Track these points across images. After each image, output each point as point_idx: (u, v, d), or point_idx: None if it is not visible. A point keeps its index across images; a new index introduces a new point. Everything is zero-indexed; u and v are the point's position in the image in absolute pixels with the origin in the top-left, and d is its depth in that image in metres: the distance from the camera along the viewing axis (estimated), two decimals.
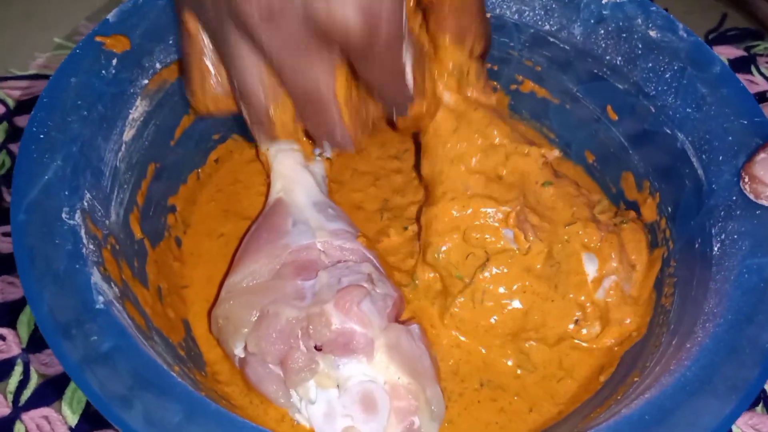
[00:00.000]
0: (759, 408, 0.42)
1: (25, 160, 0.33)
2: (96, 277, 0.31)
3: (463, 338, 0.41)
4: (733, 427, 0.42)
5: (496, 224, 0.39)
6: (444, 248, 0.40)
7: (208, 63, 0.37)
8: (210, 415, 0.28)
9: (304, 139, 0.40)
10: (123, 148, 0.38)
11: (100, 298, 0.30)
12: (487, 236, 0.39)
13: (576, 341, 0.40)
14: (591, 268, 0.40)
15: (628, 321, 0.40)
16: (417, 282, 0.41)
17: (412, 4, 0.36)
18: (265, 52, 0.34)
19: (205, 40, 0.37)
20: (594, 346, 0.40)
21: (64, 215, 0.32)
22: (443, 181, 0.40)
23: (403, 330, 0.37)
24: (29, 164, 0.33)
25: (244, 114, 0.38)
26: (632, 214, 0.43)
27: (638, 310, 0.40)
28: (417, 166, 0.47)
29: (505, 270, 0.39)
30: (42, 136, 0.34)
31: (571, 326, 0.40)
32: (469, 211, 0.39)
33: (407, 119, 0.39)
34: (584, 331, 0.40)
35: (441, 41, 0.40)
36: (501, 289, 0.39)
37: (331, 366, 0.35)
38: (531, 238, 0.39)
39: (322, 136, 0.38)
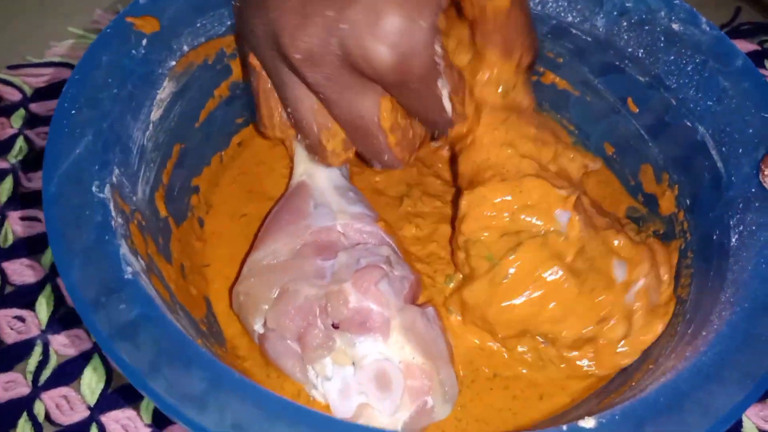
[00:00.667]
0: None
1: (57, 134, 0.34)
2: (124, 249, 0.32)
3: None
4: (744, 419, 0.42)
5: (552, 205, 0.39)
6: (486, 234, 0.39)
7: (273, 98, 0.40)
8: (234, 383, 0.28)
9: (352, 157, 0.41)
10: (150, 128, 0.39)
11: (129, 269, 0.31)
12: (534, 219, 0.39)
13: (589, 354, 0.39)
14: (620, 273, 0.39)
15: (648, 336, 0.39)
16: (452, 281, 0.42)
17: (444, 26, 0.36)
18: (312, 88, 0.36)
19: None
20: (604, 363, 0.39)
21: (94, 188, 0.33)
22: (491, 166, 0.41)
23: (419, 312, 0.37)
24: (61, 138, 0.34)
25: (300, 140, 0.40)
26: (650, 229, 0.44)
27: (663, 320, 0.39)
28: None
29: (537, 255, 0.38)
30: (74, 112, 0.35)
31: (591, 328, 0.38)
32: (521, 191, 0.39)
33: (449, 138, 0.41)
34: (605, 332, 0.38)
35: (489, 55, 0.40)
36: (526, 274, 0.38)
37: (347, 344, 0.36)
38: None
39: (372, 159, 0.39)
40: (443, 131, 0.39)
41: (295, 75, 0.36)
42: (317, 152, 0.40)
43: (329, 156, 0.39)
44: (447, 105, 0.37)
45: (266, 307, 0.37)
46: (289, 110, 0.39)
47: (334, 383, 0.36)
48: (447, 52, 0.36)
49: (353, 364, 0.36)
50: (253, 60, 0.39)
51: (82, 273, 0.30)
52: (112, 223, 0.32)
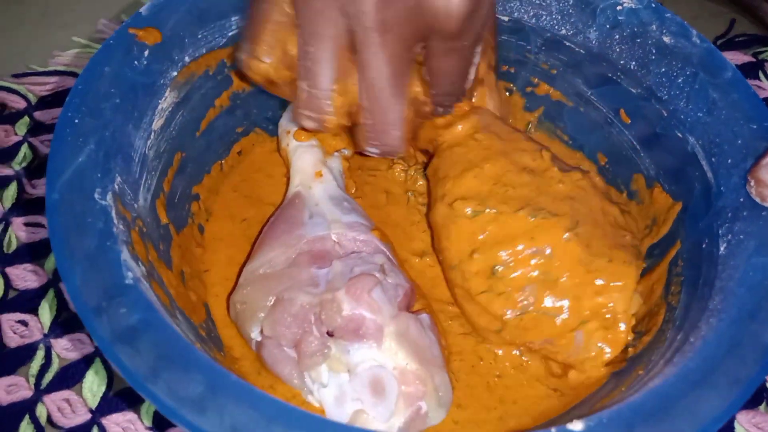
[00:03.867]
0: (762, 407, 0.43)
1: (60, 143, 0.35)
2: (125, 255, 0.32)
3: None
4: (737, 426, 0.42)
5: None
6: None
7: (281, 27, 0.36)
8: (232, 386, 0.29)
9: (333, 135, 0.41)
10: (152, 137, 0.39)
11: (129, 275, 0.32)
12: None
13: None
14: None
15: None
16: None
17: None
18: (355, 21, 0.34)
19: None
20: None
21: (96, 195, 0.34)
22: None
23: (412, 318, 0.38)
24: (64, 147, 0.35)
25: (299, 93, 0.37)
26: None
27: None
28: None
29: None
30: (77, 121, 0.36)
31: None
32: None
33: (433, 129, 0.40)
34: None
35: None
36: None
37: (342, 351, 0.36)
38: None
39: (375, 137, 0.37)
40: (450, 107, 0.38)
41: (335, 4, 0.34)
42: (315, 111, 0.37)
43: (329, 119, 0.37)
44: (472, 72, 0.37)
45: (262, 315, 0.38)
46: (305, 49, 0.35)
47: (330, 390, 0.37)
48: None
49: (348, 371, 0.36)
50: None
51: (85, 278, 0.31)
52: (114, 229, 0.33)
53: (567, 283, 0.39)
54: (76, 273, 0.31)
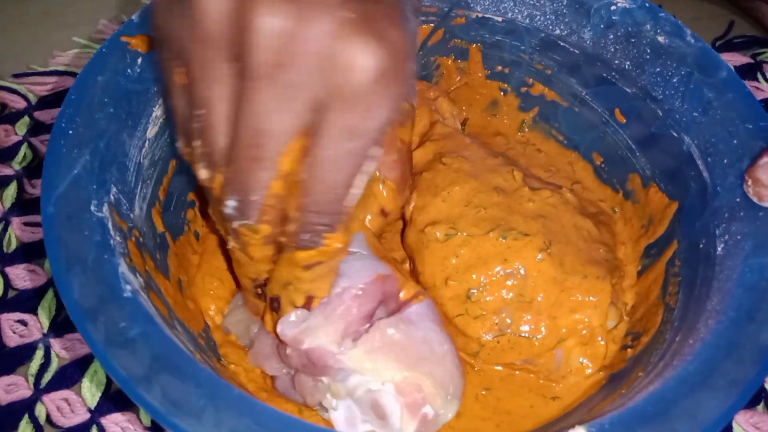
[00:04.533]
0: (760, 407, 0.43)
1: (54, 155, 0.35)
2: (123, 267, 0.32)
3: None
4: (734, 425, 0.43)
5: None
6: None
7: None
8: (233, 399, 0.29)
9: None
10: (146, 145, 0.39)
11: (128, 287, 0.31)
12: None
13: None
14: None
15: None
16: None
17: None
18: (246, 60, 0.29)
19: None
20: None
21: (92, 208, 0.34)
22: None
23: (390, 323, 0.36)
24: (58, 158, 0.35)
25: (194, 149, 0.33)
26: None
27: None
28: None
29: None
30: (71, 132, 0.36)
31: None
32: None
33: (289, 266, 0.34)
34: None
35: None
36: None
37: (334, 381, 0.36)
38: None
39: (233, 189, 0.32)
40: (317, 235, 0.32)
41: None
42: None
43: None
44: (357, 186, 0.31)
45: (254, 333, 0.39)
46: (198, 119, 0.31)
47: (340, 413, 0.36)
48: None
49: (349, 396, 0.36)
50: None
51: (83, 292, 0.31)
52: (111, 241, 0.33)
53: (542, 303, 0.39)
54: (74, 286, 0.31)
